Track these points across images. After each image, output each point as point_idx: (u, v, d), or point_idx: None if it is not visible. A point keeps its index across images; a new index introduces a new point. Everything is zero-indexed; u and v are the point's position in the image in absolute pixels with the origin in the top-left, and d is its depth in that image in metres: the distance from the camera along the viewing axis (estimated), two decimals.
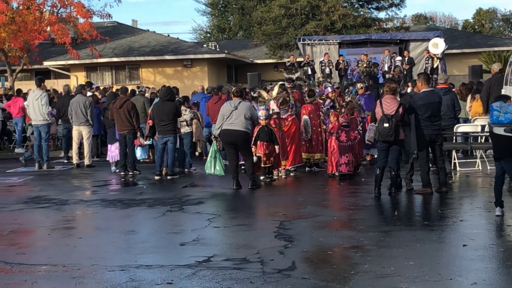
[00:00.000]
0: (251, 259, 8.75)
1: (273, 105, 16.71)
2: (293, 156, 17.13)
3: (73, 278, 8.15)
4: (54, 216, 12.82)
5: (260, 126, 15.89)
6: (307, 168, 17.83)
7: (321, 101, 18.68)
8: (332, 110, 17.53)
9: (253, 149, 15.76)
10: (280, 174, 16.82)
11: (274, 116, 16.61)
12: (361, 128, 17.33)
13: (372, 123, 13.91)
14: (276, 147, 15.97)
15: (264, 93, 17.50)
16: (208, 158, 16.05)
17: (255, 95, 17.87)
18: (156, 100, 19.55)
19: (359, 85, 20.65)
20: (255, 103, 17.38)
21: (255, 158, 15.73)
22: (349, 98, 18.00)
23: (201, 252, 9.32)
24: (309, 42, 38.01)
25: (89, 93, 22.99)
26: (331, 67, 35.64)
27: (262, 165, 16.10)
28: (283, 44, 45.84)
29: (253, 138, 15.80)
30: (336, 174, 16.27)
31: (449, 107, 16.33)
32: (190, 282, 7.80)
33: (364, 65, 34.27)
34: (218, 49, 48.18)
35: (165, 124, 17.13)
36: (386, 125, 13.26)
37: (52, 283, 8.03)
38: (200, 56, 43.06)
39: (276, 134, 16.22)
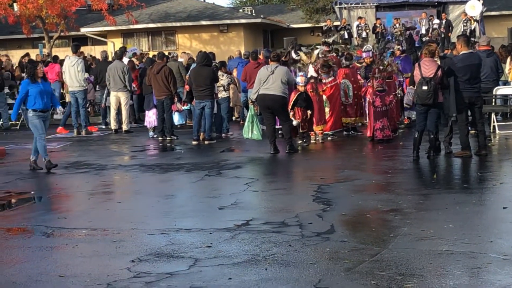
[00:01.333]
0: (290, 223, 8.76)
1: (311, 70, 16.62)
2: (333, 121, 17.06)
3: (113, 241, 8.22)
4: (94, 181, 12.93)
5: (299, 92, 15.85)
6: (344, 132, 17.77)
7: (359, 65, 18.55)
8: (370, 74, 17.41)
9: (290, 113, 15.74)
10: (317, 138, 16.77)
11: (312, 81, 16.53)
12: (400, 92, 17.19)
13: (411, 86, 13.78)
14: (309, 112, 15.95)
15: (304, 57, 17.39)
16: (246, 123, 16.03)
17: (297, 57, 17.73)
18: (193, 65, 19.55)
19: (396, 47, 20.45)
20: (292, 67, 17.28)
21: (295, 122, 15.72)
22: (387, 62, 17.83)
23: (240, 215, 9.34)
24: (345, 5, 37.65)
25: (125, 59, 23.03)
26: (368, 30, 35.32)
27: (301, 130, 16.09)
28: (320, 8, 45.47)
29: (291, 103, 15.77)
30: (373, 139, 16.21)
31: (492, 69, 16.13)
32: (229, 245, 7.82)
33: (400, 28, 33.93)
34: (254, 14, 47.97)
35: (202, 89, 17.14)
36: (425, 88, 13.12)
37: (92, 246, 8.10)
38: (236, 21, 42.92)
39: (313, 99, 16.18)
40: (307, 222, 8.74)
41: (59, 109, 15.53)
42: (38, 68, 14.37)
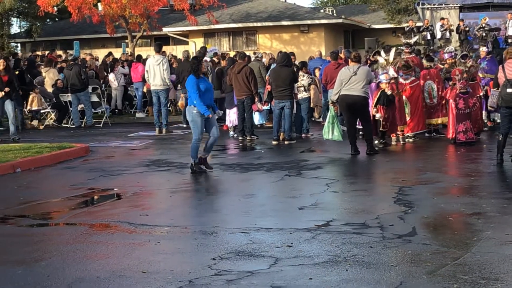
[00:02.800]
0: (371, 224, 8.70)
1: (391, 71, 16.51)
2: (415, 123, 16.89)
3: (194, 239, 8.29)
4: (175, 179, 13.07)
5: (381, 90, 15.80)
6: (426, 134, 17.58)
7: (441, 66, 18.33)
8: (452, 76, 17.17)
9: (374, 110, 15.69)
10: (399, 140, 16.61)
11: (392, 81, 16.42)
12: (484, 94, 16.91)
13: (495, 89, 13.54)
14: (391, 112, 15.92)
15: (381, 59, 17.26)
16: (326, 124, 16.00)
17: (373, 59, 17.65)
18: (273, 66, 19.58)
19: (481, 49, 20.13)
20: (373, 68, 17.18)
21: (378, 115, 15.66)
22: (470, 63, 17.56)
23: (320, 216, 9.32)
24: (428, 6, 37.23)
25: (207, 59, 23.21)
26: (451, 31, 34.81)
27: (381, 129, 15.99)
28: (402, 9, 45.01)
29: (374, 101, 15.73)
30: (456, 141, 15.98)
31: None
32: (309, 245, 7.81)
33: (485, 29, 33.34)
34: (335, 14, 47.82)
35: (282, 89, 17.17)
36: (509, 90, 12.88)
37: (174, 243, 8.19)
38: (317, 21, 42.86)
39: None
40: (388, 224, 8.67)
41: (218, 112, 14.41)
42: (203, 63, 13.88)
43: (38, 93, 23.38)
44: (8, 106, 18.86)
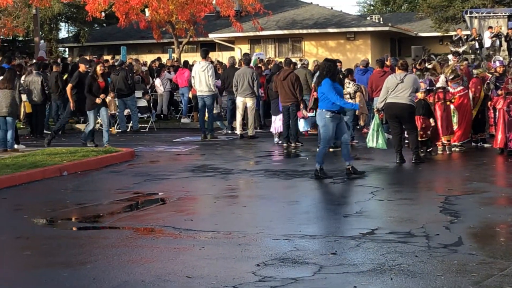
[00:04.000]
0: (416, 233, 8.63)
1: (442, 79, 16.38)
2: (462, 132, 16.72)
3: (238, 245, 8.29)
4: (219, 184, 13.10)
5: (417, 99, 15.69)
6: (473, 143, 17.41)
7: (489, 75, 18.15)
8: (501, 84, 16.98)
9: None
10: (445, 149, 16.47)
11: (439, 91, 16.30)
12: None
13: None
14: (431, 120, 15.79)
15: (438, 66, 17.17)
16: (370, 131, 15.89)
17: (429, 66, 17.55)
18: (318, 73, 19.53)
19: None
20: (424, 75, 17.09)
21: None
22: None
23: (365, 224, 9.27)
24: (476, 15, 36.86)
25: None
26: (500, 40, 34.41)
27: (419, 139, 15.86)
28: (449, 17, 44.58)
29: None
30: (505, 150, 15.77)
31: None
32: (354, 253, 7.78)
33: None
34: (381, 22, 47.59)
35: None
36: None
37: (218, 249, 8.20)
38: (363, 29, 42.74)
39: (439, 108, 16.01)
40: (434, 233, 8.60)
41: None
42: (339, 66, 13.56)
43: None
44: (103, 113, 18.42)
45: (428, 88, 16.76)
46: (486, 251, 7.84)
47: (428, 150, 16.14)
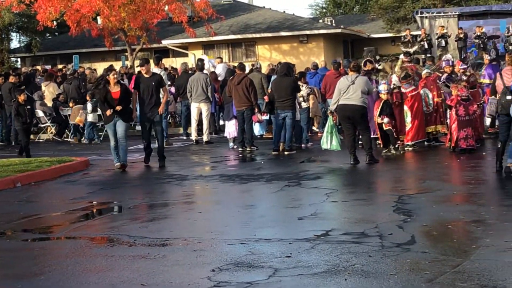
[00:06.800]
0: (370, 233, 8.70)
1: (395, 80, 16.55)
2: (415, 132, 16.87)
3: (194, 251, 8.29)
4: (175, 191, 13.09)
5: (383, 100, 15.85)
6: (425, 143, 17.59)
7: (439, 74, 18.37)
8: (452, 83, 17.19)
9: (379, 119, 15.76)
10: (398, 150, 16.63)
11: (396, 91, 16.48)
12: (483, 101, 16.95)
13: (493, 96, 13.56)
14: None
15: (387, 67, 17.32)
16: (324, 134, 16.00)
17: (379, 67, 17.70)
18: (273, 77, 19.61)
19: (485, 57, 20.22)
20: (374, 77, 17.21)
21: (385, 120, 15.72)
22: (471, 71, 17.59)
23: (319, 226, 9.32)
24: (427, 15, 37.22)
25: (205, 71, 23.25)
26: (446, 40, 34.75)
27: (395, 136, 16.11)
28: (401, 18, 44.99)
29: (377, 111, 15.80)
30: (456, 149, 15.97)
31: None
32: (308, 255, 7.82)
33: (481, 37, 33.36)
34: (334, 24, 47.81)
35: (284, 99, 17.20)
36: (509, 97, 12.88)
37: (173, 255, 8.18)
38: (316, 31, 42.90)
39: (395, 110, 16.20)
40: (388, 232, 8.68)
41: None
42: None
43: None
44: (119, 128, 15.81)
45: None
46: (439, 249, 7.93)
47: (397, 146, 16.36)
